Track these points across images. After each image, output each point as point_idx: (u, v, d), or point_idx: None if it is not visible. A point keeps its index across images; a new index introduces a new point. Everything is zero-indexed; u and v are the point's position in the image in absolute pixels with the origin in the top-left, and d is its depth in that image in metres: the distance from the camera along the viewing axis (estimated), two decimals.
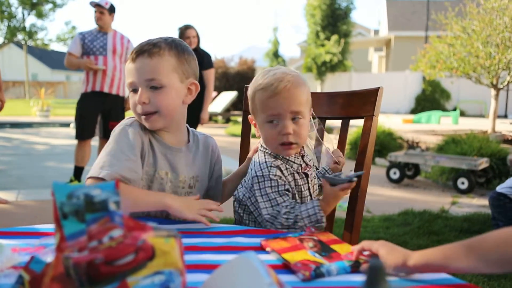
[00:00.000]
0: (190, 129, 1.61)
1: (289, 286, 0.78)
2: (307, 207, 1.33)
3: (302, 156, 1.50)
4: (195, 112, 4.89)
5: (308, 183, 1.49)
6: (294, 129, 1.39)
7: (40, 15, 30.54)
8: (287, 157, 1.45)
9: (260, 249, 1.11)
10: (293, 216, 1.32)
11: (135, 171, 1.34)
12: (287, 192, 1.39)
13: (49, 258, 0.69)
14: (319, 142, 1.61)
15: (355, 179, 1.31)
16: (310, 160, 1.55)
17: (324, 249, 1.11)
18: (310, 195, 1.50)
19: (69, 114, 15.80)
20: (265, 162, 1.42)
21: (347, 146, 7.96)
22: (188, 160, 1.52)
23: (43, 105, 16.54)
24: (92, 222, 0.64)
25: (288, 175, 1.43)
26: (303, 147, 1.51)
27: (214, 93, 15.45)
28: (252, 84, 1.47)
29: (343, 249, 1.12)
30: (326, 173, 1.65)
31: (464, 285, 0.91)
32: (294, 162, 1.45)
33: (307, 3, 21.46)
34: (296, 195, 1.45)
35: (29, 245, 1.06)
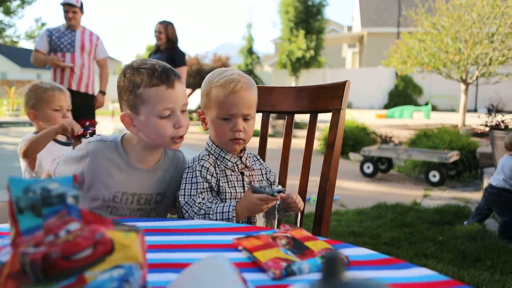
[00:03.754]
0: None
1: (252, 285, 0.78)
2: (223, 204, 1.42)
3: (240, 157, 1.56)
4: None
5: (243, 181, 1.53)
6: (244, 127, 1.49)
7: (7, 12, 29.77)
8: (224, 155, 1.53)
9: (232, 247, 1.11)
10: (206, 208, 1.42)
11: None
12: (206, 189, 1.47)
13: (5, 257, 0.67)
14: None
15: (276, 194, 1.38)
16: (252, 164, 1.60)
17: (297, 246, 1.08)
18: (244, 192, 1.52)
19: None
20: (199, 156, 1.53)
21: (319, 142, 8.05)
22: (156, 178, 1.52)
23: (12, 105, 16.17)
24: (49, 216, 0.63)
25: (220, 171, 1.51)
26: (244, 148, 1.58)
27: (188, 91, 15.35)
28: (208, 81, 1.53)
29: (317, 245, 1.09)
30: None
31: (446, 282, 0.91)
32: (229, 160, 1.53)
33: (281, 0, 21.49)
34: (227, 190, 1.49)
35: None
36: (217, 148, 1.54)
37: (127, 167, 1.46)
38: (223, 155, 1.53)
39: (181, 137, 1.45)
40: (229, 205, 1.41)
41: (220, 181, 1.50)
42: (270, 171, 1.65)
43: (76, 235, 0.62)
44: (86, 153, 1.45)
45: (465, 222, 4.01)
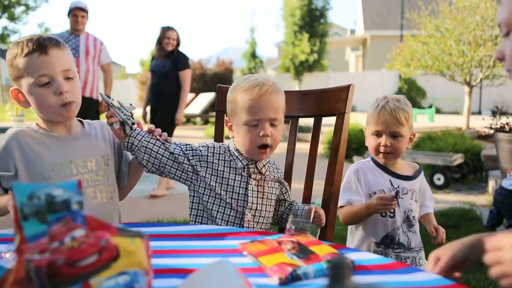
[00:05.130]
0: (84, 120, 1.61)
1: None
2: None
3: (255, 163, 1.52)
4: (170, 113, 4.85)
5: (247, 183, 1.50)
6: (271, 132, 1.46)
7: (12, 18, 29.89)
8: (237, 155, 1.52)
9: (237, 252, 1.10)
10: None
11: None
12: (176, 155, 1.50)
13: (9, 264, 0.67)
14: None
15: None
16: (270, 173, 1.57)
17: (302, 251, 1.07)
18: (245, 195, 1.50)
19: None
20: (212, 142, 1.58)
21: (323, 146, 8.02)
22: (91, 143, 1.53)
23: (17, 110, 16.23)
24: (53, 223, 0.63)
25: (221, 168, 1.50)
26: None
27: (192, 95, 15.39)
28: (233, 87, 1.53)
29: (322, 250, 1.08)
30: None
31: (451, 286, 0.91)
32: (240, 161, 1.51)
33: (285, 4, 21.51)
34: (227, 188, 1.49)
35: None
36: (234, 147, 1.53)
37: (51, 138, 1.45)
38: (236, 155, 1.52)
39: (68, 104, 1.41)
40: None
41: (207, 172, 1.49)
42: (282, 178, 1.64)
43: (81, 241, 0.62)
44: (7, 144, 1.41)
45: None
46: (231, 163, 1.51)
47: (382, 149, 1.84)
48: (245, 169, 1.51)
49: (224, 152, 1.53)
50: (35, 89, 1.38)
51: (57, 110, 1.40)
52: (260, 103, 1.44)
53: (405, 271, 0.98)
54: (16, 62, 1.37)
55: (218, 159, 1.51)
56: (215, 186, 1.48)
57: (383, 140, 1.83)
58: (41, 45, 1.36)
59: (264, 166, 1.54)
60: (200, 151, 1.51)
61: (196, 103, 15.18)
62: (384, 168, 1.90)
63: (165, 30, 4.97)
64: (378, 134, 1.85)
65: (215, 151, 1.52)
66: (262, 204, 1.52)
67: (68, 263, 0.60)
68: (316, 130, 1.74)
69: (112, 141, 1.62)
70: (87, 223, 0.65)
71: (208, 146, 1.53)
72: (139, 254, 0.67)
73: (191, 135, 11.72)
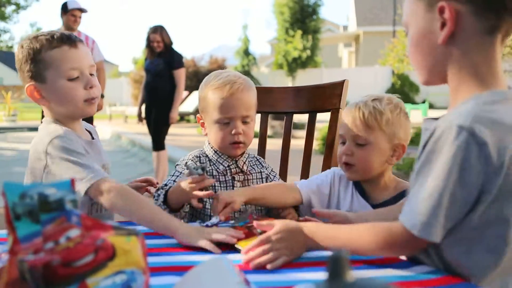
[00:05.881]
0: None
1: (256, 286, 0.78)
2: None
3: (236, 161, 1.52)
4: (165, 112, 4.83)
5: (233, 186, 1.50)
6: (243, 130, 1.46)
7: (3, 17, 29.68)
8: (216, 158, 1.51)
9: (234, 249, 1.10)
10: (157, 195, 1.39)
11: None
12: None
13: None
14: None
15: (201, 172, 1.27)
16: (251, 168, 1.56)
17: None
18: None
19: (38, 118, 15.45)
20: (187, 158, 1.53)
21: (317, 142, 8.03)
22: (99, 148, 1.50)
23: (9, 110, 16.14)
24: (47, 223, 0.62)
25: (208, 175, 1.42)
26: (244, 152, 1.55)
27: (186, 93, 15.33)
28: (204, 84, 1.51)
29: None
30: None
31: (447, 278, 0.91)
32: (221, 164, 1.51)
33: (275, 1, 21.48)
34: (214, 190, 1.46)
35: None
36: (211, 150, 1.52)
37: (85, 144, 1.39)
38: (216, 158, 1.51)
39: (94, 98, 1.39)
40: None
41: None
42: (275, 176, 1.62)
43: (76, 242, 0.61)
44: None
45: None
46: (213, 171, 1.49)
47: (343, 158, 1.42)
48: (227, 171, 1.50)
49: (205, 162, 1.51)
50: (63, 82, 1.33)
51: (82, 104, 1.36)
52: (231, 101, 1.43)
53: (401, 266, 0.98)
54: (41, 56, 1.31)
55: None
56: (206, 201, 1.45)
57: (345, 147, 1.42)
58: (70, 38, 1.34)
59: (244, 163, 1.54)
60: (180, 172, 1.48)
61: (190, 101, 15.12)
62: (358, 187, 1.47)
63: (150, 33, 4.91)
64: (342, 140, 1.45)
65: (201, 161, 1.51)
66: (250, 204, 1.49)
67: (64, 263, 0.59)
68: (310, 126, 1.73)
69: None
70: (82, 222, 0.64)
71: (194, 157, 1.52)
72: (135, 252, 0.66)
73: (185, 133, 11.70)
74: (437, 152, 0.88)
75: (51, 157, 1.28)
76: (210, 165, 1.50)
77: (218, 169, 1.49)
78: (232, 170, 1.51)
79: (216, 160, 1.50)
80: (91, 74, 1.38)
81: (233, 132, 1.44)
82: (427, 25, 0.97)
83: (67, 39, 1.34)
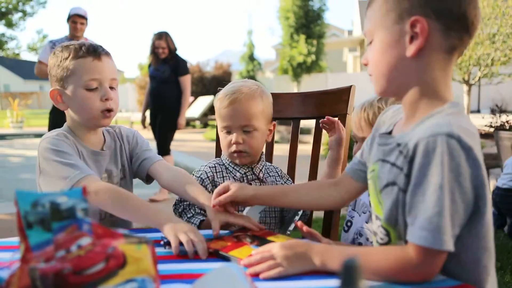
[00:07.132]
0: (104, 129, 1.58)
1: None
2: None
3: (252, 168, 1.55)
4: (171, 117, 4.84)
5: None
6: (244, 139, 1.49)
7: (9, 25, 29.94)
8: (233, 165, 1.54)
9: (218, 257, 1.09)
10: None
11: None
12: None
13: (5, 273, 0.66)
14: None
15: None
16: (267, 176, 1.58)
17: (263, 242, 1.13)
18: None
19: (44, 124, 15.52)
20: (206, 165, 1.56)
21: (323, 147, 8.02)
22: (111, 158, 1.53)
23: (16, 116, 16.24)
24: (59, 231, 0.62)
25: (221, 180, 1.52)
26: (261, 159, 1.58)
27: (191, 98, 15.38)
28: (218, 93, 1.55)
29: (279, 239, 1.17)
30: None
31: (457, 286, 0.91)
32: (238, 171, 1.54)
33: (280, 6, 21.52)
34: None
35: (2, 260, 1.02)
36: (227, 159, 1.56)
37: (87, 152, 1.45)
38: (233, 166, 1.54)
39: (110, 110, 1.43)
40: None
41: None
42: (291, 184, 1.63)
43: (88, 250, 0.61)
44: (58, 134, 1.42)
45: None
46: (230, 179, 1.51)
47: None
48: (244, 178, 1.53)
49: (221, 170, 1.55)
50: (81, 92, 1.39)
51: (97, 115, 1.41)
52: (229, 111, 1.48)
53: None
54: (67, 64, 1.39)
55: (222, 177, 1.53)
56: None
57: (356, 147, 1.60)
58: (96, 51, 1.40)
59: (261, 170, 1.56)
60: (203, 179, 1.52)
61: (195, 106, 15.17)
62: None
63: (154, 39, 4.93)
64: (355, 139, 1.64)
65: (217, 170, 1.54)
66: (265, 210, 1.53)
67: (75, 271, 0.60)
68: (317, 131, 1.73)
69: (130, 150, 1.60)
70: (93, 231, 0.64)
71: (209, 167, 1.55)
72: (146, 260, 0.67)
73: (191, 138, 11.72)
74: (430, 164, 0.87)
75: (41, 158, 1.36)
76: (227, 173, 1.54)
77: (235, 176, 1.53)
78: (249, 177, 1.54)
79: (233, 168, 1.54)
80: (111, 87, 1.43)
81: (232, 141, 1.49)
82: (394, 36, 0.98)
83: (93, 50, 1.40)
